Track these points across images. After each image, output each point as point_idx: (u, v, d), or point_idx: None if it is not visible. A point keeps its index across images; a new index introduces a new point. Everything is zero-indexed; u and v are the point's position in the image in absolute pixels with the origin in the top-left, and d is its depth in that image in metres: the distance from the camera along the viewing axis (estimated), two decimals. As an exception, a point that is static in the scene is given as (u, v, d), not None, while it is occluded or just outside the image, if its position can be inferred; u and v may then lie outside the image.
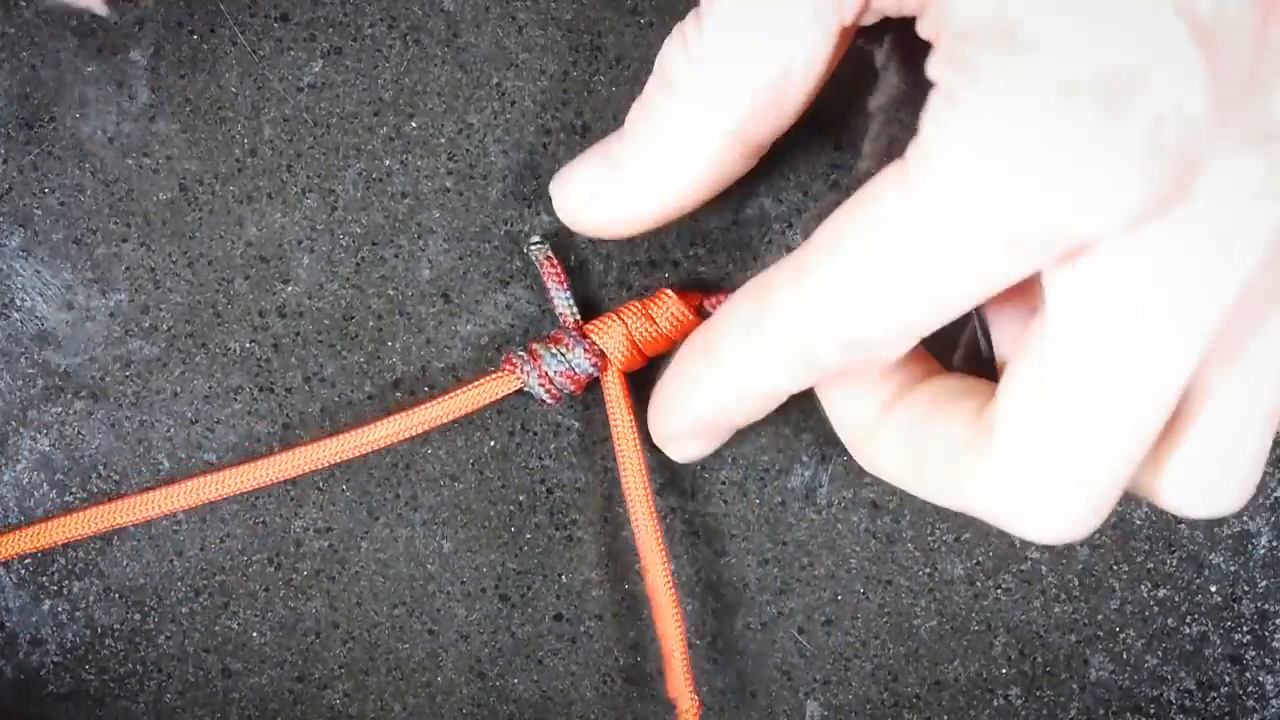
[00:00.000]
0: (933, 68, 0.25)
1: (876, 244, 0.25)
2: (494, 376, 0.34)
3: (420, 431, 0.34)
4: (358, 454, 0.34)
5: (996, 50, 0.23)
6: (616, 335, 0.33)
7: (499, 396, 0.34)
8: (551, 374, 0.33)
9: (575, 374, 0.34)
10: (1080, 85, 0.22)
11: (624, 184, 0.31)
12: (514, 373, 0.34)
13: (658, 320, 0.33)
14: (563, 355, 0.33)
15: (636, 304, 0.34)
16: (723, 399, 0.30)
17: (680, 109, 0.29)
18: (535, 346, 0.34)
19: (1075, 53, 0.23)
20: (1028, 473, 0.26)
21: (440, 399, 0.34)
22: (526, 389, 0.34)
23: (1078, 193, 0.23)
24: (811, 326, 0.27)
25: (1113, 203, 0.23)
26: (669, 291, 0.34)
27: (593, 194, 0.31)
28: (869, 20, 0.28)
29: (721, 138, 0.29)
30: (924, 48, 0.26)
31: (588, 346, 0.33)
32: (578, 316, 0.34)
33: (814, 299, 0.26)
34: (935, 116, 0.24)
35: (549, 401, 0.34)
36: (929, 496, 0.29)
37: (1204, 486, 0.27)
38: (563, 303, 0.34)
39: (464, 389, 0.34)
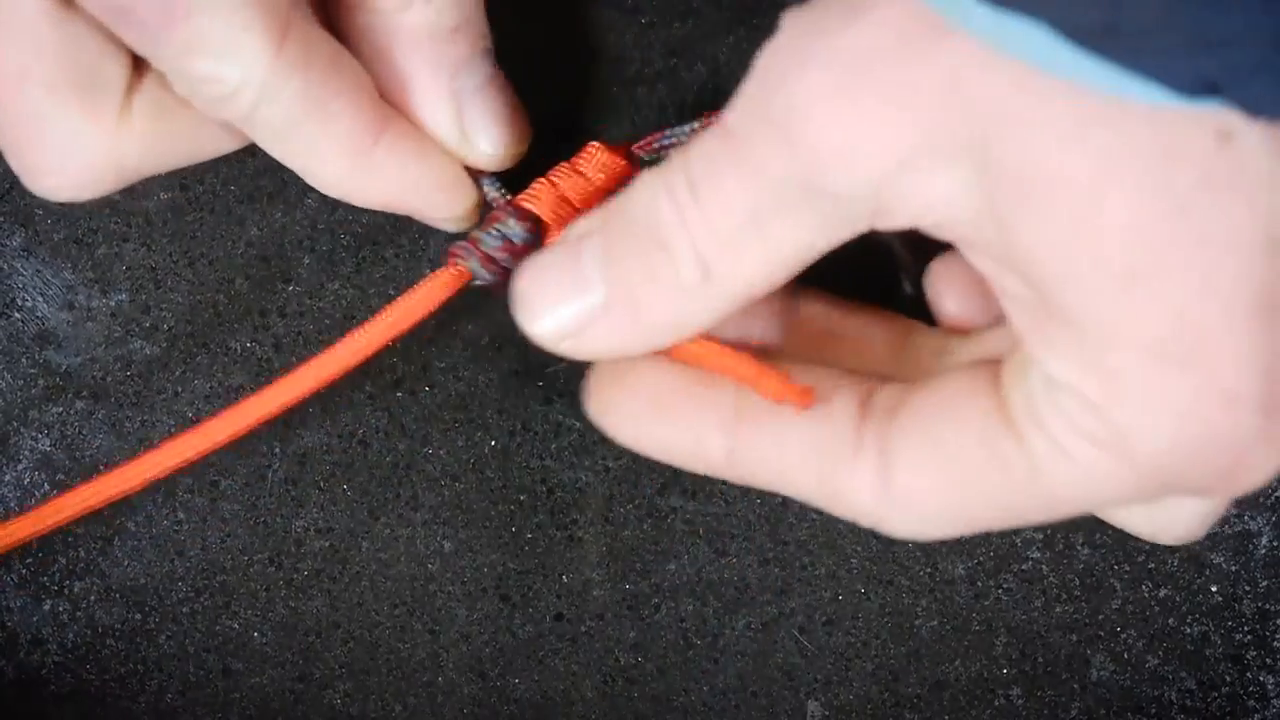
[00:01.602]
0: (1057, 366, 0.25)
1: None
2: (440, 273, 0.33)
3: (380, 345, 0.32)
4: (333, 378, 0.32)
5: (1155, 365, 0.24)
6: (548, 197, 0.32)
7: (450, 292, 0.33)
8: (491, 252, 0.32)
9: (514, 244, 0.32)
10: (1240, 395, 0.24)
11: (612, 332, 0.29)
12: (456, 264, 0.33)
13: (587, 173, 0.32)
14: (498, 230, 0.32)
15: (564, 165, 0.33)
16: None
17: (679, 283, 0.27)
18: (474, 233, 0.33)
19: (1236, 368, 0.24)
20: (920, 520, 0.27)
21: (390, 307, 0.32)
22: (474, 276, 0.33)
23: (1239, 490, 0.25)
24: None
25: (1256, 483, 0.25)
26: (596, 143, 0.33)
27: (574, 329, 0.29)
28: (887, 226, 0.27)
29: (720, 308, 0.28)
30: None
31: (519, 215, 0.32)
32: (507, 194, 0.33)
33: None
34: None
35: (491, 279, 0.32)
36: (805, 502, 0.29)
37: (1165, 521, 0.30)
38: (490, 187, 0.33)
39: (410, 293, 0.32)
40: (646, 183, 0.28)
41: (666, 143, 0.32)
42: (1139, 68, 0.22)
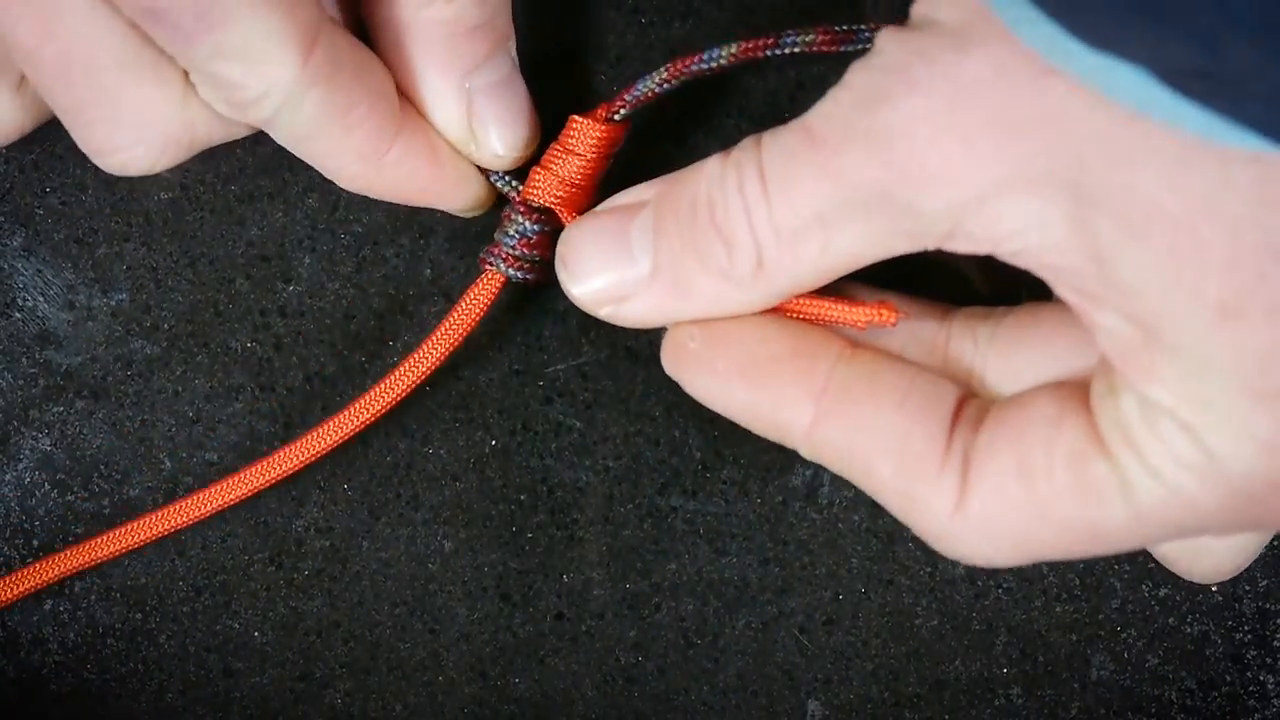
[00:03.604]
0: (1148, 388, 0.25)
1: None
2: (476, 283, 0.34)
3: (431, 369, 0.33)
4: (380, 413, 0.33)
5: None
6: (551, 186, 0.33)
7: (493, 295, 0.33)
8: (512, 252, 0.33)
9: (530, 239, 0.33)
10: None
11: (653, 304, 0.30)
12: (489, 269, 0.33)
13: (580, 151, 0.33)
14: (513, 231, 0.33)
15: (556, 146, 0.33)
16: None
17: (734, 272, 0.28)
18: (495, 235, 0.34)
19: None
20: (990, 543, 0.27)
21: (438, 330, 0.33)
22: (510, 277, 0.33)
23: None
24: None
25: None
26: (576, 118, 0.33)
27: (615, 296, 0.30)
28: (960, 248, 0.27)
29: (768, 299, 0.29)
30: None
31: (523, 211, 0.33)
32: (517, 185, 0.34)
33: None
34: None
35: (529, 279, 0.34)
36: (871, 494, 0.29)
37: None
38: (498, 180, 0.34)
39: (455, 309, 0.33)
40: (712, 168, 0.28)
41: (637, 95, 0.33)
42: (1234, 115, 0.22)
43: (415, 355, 0.33)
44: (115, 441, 0.36)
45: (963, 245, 0.26)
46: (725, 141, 0.35)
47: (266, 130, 0.30)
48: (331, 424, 0.34)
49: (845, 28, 0.31)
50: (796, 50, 0.31)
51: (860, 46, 0.31)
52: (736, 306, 0.29)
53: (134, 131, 0.30)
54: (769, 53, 0.31)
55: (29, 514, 0.36)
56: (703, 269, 0.29)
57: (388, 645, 0.37)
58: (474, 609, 0.37)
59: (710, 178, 0.28)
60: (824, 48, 0.31)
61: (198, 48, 0.28)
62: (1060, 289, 0.26)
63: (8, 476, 0.36)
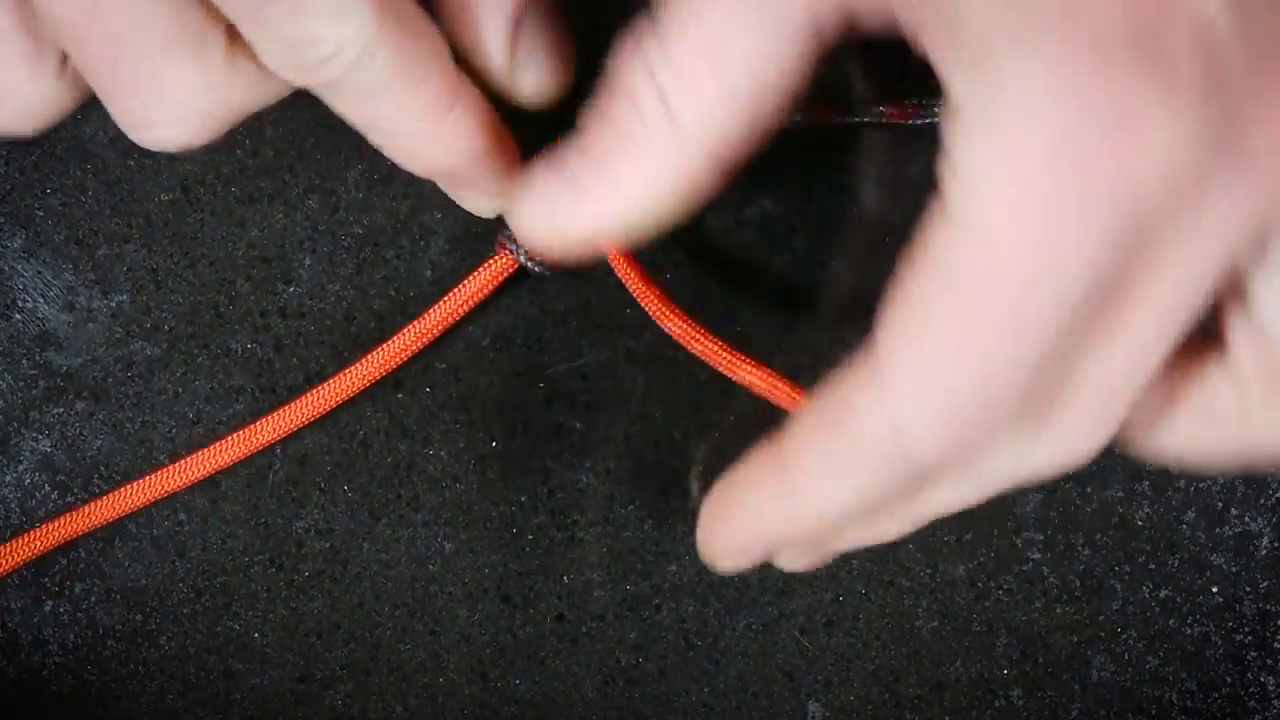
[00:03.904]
0: (956, 87, 0.24)
1: (957, 310, 0.25)
2: (490, 261, 0.34)
3: (437, 334, 0.35)
4: (381, 374, 0.35)
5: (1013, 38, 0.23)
6: None
7: (500, 279, 0.34)
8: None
9: None
10: (1106, 36, 0.22)
11: (584, 204, 0.30)
12: (506, 253, 0.34)
13: None
14: None
15: None
16: (794, 515, 0.29)
17: (646, 131, 0.28)
18: None
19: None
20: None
21: (446, 297, 0.35)
22: (521, 265, 0.34)
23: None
24: (899, 415, 0.26)
25: (1186, 182, 0.23)
26: None
27: (549, 212, 0.30)
28: (850, 33, 0.27)
29: (691, 160, 0.28)
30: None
31: None
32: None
33: (901, 388, 0.26)
34: (969, 140, 0.24)
35: (544, 271, 0.34)
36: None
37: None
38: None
39: (466, 281, 0.35)
40: (624, 59, 0.28)
41: None
42: None
43: (416, 324, 0.34)
44: (115, 443, 0.36)
45: (820, 13, 0.26)
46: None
47: (325, 93, 0.30)
48: (321, 390, 0.34)
49: (914, 101, 0.32)
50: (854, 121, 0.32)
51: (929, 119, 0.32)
52: (663, 175, 0.28)
53: (172, 110, 0.30)
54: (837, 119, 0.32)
55: (29, 515, 0.36)
56: (620, 142, 0.28)
57: (388, 647, 0.37)
58: (474, 610, 0.37)
59: (622, 59, 0.28)
60: (891, 119, 0.32)
61: (273, 6, 0.28)
62: (917, 38, 0.26)
63: (8, 478, 0.36)
